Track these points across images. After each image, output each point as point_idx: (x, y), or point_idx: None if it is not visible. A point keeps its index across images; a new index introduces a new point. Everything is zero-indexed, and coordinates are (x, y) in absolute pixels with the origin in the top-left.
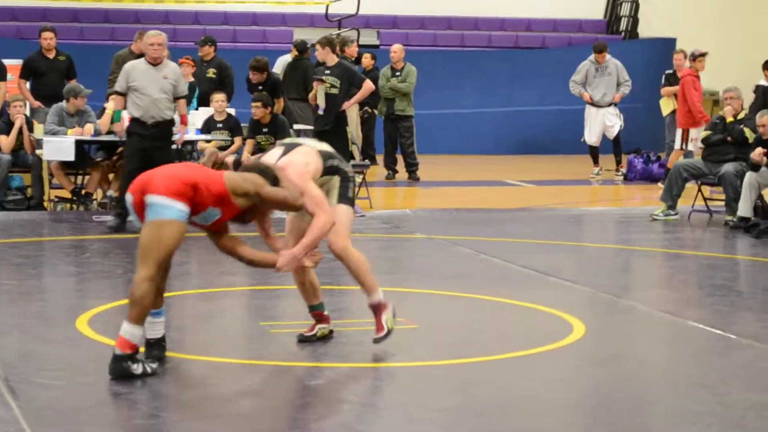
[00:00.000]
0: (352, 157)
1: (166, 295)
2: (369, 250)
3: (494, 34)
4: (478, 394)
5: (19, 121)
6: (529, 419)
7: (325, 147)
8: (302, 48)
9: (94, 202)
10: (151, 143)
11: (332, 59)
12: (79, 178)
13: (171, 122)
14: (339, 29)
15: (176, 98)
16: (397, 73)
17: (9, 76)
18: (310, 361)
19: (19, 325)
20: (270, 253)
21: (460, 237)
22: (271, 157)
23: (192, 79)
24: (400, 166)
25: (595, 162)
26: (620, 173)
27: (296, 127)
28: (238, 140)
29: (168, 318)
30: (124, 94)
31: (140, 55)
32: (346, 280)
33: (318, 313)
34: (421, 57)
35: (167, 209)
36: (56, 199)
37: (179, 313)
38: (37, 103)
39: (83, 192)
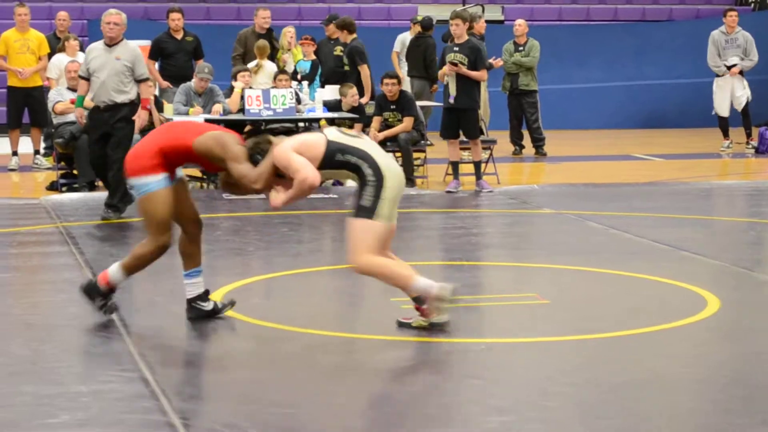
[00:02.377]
0: (482, 133)
1: (298, 271)
2: (497, 226)
3: (620, 7)
4: (610, 369)
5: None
6: (661, 395)
7: (348, 141)
8: (428, 25)
9: None
10: (106, 128)
11: (465, 36)
12: None
13: (127, 105)
14: (464, 5)
15: (137, 81)
16: (520, 48)
17: None
18: (440, 336)
19: (152, 302)
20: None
21: (589, 212)
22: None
23: (314, 58)
24: (527, 141)
25: (725, 135)
26: (751, 146)
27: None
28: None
29: (301, 294)
30: (87, 79)
31: (261, 34)
32: (476, 255)
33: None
34: (546, 31)
35: (144, 186)
36: (187, 178)
37: (312, 289)
38: (165, 84)
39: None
